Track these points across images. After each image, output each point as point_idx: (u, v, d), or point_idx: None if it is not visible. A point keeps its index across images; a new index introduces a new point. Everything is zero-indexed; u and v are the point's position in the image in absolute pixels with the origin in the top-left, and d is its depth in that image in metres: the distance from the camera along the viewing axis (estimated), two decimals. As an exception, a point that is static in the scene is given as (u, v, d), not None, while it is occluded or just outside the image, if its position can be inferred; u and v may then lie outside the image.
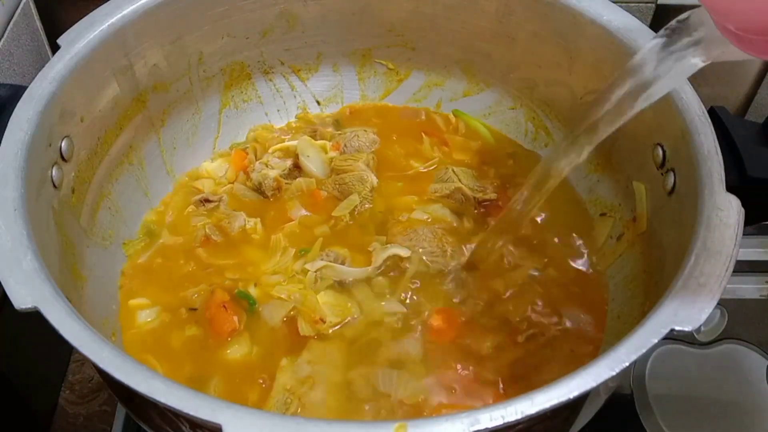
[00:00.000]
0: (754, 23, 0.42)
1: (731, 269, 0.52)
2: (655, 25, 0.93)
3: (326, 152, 0.84)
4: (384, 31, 0.86)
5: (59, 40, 0.66)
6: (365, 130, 0.87)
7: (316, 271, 0.71)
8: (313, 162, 0.83)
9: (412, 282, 0.72)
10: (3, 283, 0.51)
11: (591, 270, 0.74)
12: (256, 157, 0.84)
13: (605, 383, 0.46)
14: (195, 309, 0.71)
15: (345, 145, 0.85)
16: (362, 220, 0.78)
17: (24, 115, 0.60)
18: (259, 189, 0.81)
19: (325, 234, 0.76)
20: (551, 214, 0.79)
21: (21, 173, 0.57)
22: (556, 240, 0.77)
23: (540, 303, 0.71)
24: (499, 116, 0.89)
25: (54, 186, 0.63)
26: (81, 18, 0.69)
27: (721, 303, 0.75)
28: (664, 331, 0.48)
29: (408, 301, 0.71)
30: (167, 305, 0.71)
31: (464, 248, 0.75)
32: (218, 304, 0.70)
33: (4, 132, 0.59)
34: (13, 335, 0.77)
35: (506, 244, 0.74)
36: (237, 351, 0.67)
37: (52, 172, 0.63)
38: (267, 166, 0.82)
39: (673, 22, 0.50)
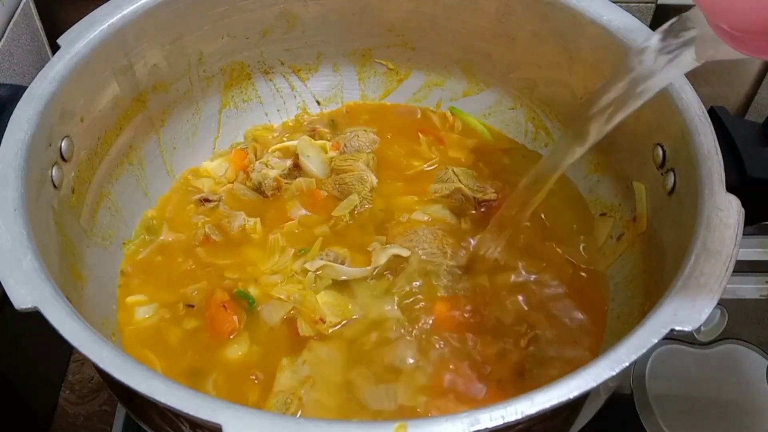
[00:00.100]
0: (747, 22, 0.42)
1: (731, 269, 0.52)
2: (655, 25, 0.93)
3: (326, 152, 0.85)
4: (384, 31, 0.86)
5: (59, 40, 0.66)
6: (365, 130, 0.87)
7: (315, 271, 0.71)
8: (313, 162, 0.83)
9: (411, 282, 0.72)
10: (3, 283, 0.51)
11: (591, 270, 0.74)
12: (256, 156, 0.84)
13: (605, 383, 0.46)
14: (192, 306, 0.71)
15: (345, 145, 0.85)
16: (362, 220, 0.78)
17: (24, 115, 0.60)
18: (258, 189, 0.81)
19: (324, 234, 0.76)
20: (551, 214, 0.79)
21: (21, 173, 0.57)
22: (556, 240, 0.76)
23: (540, 303, 0.71)
24: (499, 116, 0.89)
25: (54, 186, 0.63)
26: (81, 18, 0.69)
27: (721, 303, 0.75)
28: (664, 331, 0.48)
29: (407, 301, 0.70)
30: (165, 302, 0.71)
31: (464, 249, 0.75)
32: (218, 304, 0.70)
33: (4, 132, 0.59)
34: (13, 335, 0.77)
35: (505, 245, 0.74)
36: (237, 350, 0.67)
37: (52, 172, 0.63)
38: (267, 166, 0.82)
39: (669, 22, 0.50)
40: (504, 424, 0.43)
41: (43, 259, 0.53)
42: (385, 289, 0.71)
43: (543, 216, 0.78)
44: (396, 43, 0.88)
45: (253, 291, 0.71)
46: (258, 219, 0.78)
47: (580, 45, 0.75)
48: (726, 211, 0.55)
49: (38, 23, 0.93)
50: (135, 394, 0.45)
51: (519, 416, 0.44)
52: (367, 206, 0.79)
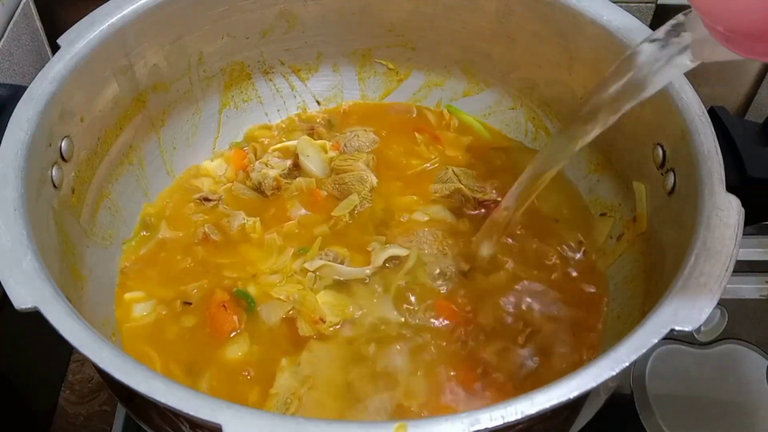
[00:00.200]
0: (740, 25, 0.43)
1: (731, 269, 0.52)
2: (655, 25, 0.93)
3: (326, 152, 0.85)
4: (384, 31, 0.86)
5: (59, 40, 0.66)
6: (365, 130, 0.87)
7: (314, 271, 0.71)
8: (313, 162, 0.83)
9: (411, 282, 0.72)
10: (3, 283, 0.51)
11: (591, 270, 0.74)
12: (255, 156, 0.84)
13: (605, 383, 0.46)
14: (190, 303, 0.71)
15: (345, 145, 0.85)
16: (362, 220, 0.78)
17: (24, 115, 0.60)
18: (258, 188, 0.81)
19: (324, 233, 0.76)
20: (551, 214, 0.79)
21: (21, 173, 0.57)
22: (555, 240, 0.76)
23: (540, 303, 0.71)
24: (499, 116, 0.89)
25: (54, 186, 0.63)
26: (81, 18, 0.69)
27: (721, 303, 0.75)
28: (664, 331, 0.48)
29: (407, 301, 0.71)
30: (163, 299, 0.72)
31: (464, 249, 0.75)
32: (218, 304, 0.70)
33: (4, 132, 0.59)
34: (13, 335, 0.77)
35: (504, 244, 0.75)
36: (236, 350, 0.67)
37: (52, 172, 0.63)
38: (267, 166, 0.82)
39: (667, 24, 0.51)
40: (504, 424, 0.43)
41: (43, 259, 0.53)
42: (384, 289, 0.71)
43: (543, 216, 0.78)
44: (396, 43, 0.88)
45: (252, 290, 0.71)
46: (257, 218, 0.78)
47: (580, 45, 0.75)
48: (726, 211, 0.55)
49: (38, 23, 0.93)
50: (135, 394, 0.45)
51: (519, 416, 0.44)
52: (366, 206, 0.79)
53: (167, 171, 0.83)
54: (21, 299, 0.50)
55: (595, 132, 0.58)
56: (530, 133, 0.87)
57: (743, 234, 0.54)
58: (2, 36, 0.84)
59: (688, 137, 0.61)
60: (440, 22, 0.84)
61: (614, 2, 0.71)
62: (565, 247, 0.76)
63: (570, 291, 0.72)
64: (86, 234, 0.70)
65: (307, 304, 0.69)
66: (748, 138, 0.64)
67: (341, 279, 0.72)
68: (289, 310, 0.69)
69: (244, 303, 0.70)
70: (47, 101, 0.62)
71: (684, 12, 0.50)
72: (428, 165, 0.84)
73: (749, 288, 0.94)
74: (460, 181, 0.80)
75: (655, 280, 0.64)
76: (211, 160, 0.86)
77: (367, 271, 0.72)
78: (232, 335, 0.68)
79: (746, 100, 1.04)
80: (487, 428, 0.43)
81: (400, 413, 0.63)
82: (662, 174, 0.66)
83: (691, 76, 0.62)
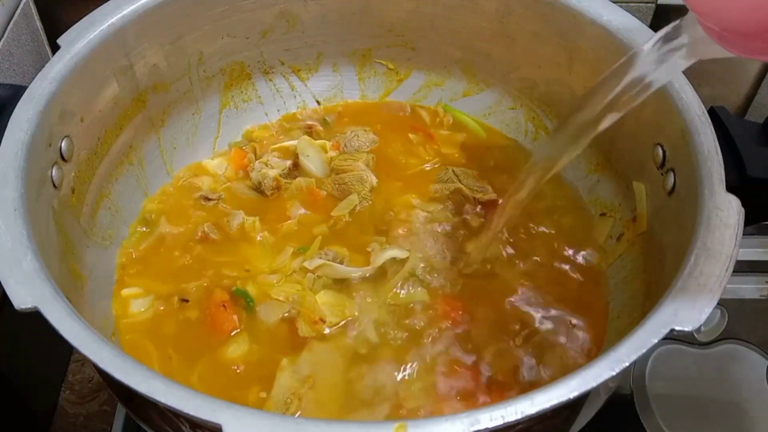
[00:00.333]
0: (733, 24, 0.43)
1: (731, 269, 0.52)
2: (655, 25, 0.93)
3: (326, 152, 0.85)
4: (384, 31, 0.86)
5: (59, 40, 0.66)
6: (365, 130, 0.87)
7: (314, 270, 0.71)
8: (313, 162, 0.83)
9: (410, 283, 0.72)
10: (3, 283, 0.51)
11: (591, 270, 0.74)
12: (255, 156, 0.84)
13: (605, 383, 0.46)
14: (187, 300, 0.71)
15: (345, 145, 0.85)
16: (361, 220, 0.78)
17: (24, 115, 0.60)
18: (258, 188, 0.81)
19: (323, 233, 0.76)
20: (551, 214, 0.79)
21: (21, 173, 0.57)
22: (555, 240, 0.76)
23: (539, 304, 0.71)
24: (499, 116, 0.89)
25: (54, 186, 0.63)
26: (81, 18, 0.69)
27: (721, 303, 0.75)
28: (664, 331, 0.48)
29: (406, 302, 0.70)
30: (161, 295, 0.72)
31: (463, 249, 0.75)
32: (218, 304, 0.70)
33: (4, 132, 0.59)
34: (13, 335, 0.77)
35: (504, 245, 0.75)
36: (236, 350, 0.67)
37: (52, 172, 0.63)
38: (267, 166, 0.82)
39: (667, 27, 0.51)
40: (504, 424, 0.43)
41: (43, 259, 0.53)
42: (384, 290, 0.71)
43: (543, 216, 0.78)
44: (396, 43, 0.88)
45: (251, 290, 0.71)
46: (257, 218, 0.78)
47: (580, 45, 0.75)
48: (726, 211, 0.55)
49: (38, 23, 0.93)
50: (135, 394, 0.45)
51: (519, 416, 0.44)
52: (366, 206, 0.79)
53: (167, 171, 0.83)
54: (21, 299, 0.50)
55: (594, 133, 0.58)
56: (530, 133, 0.87)
57: (743, 234, 0.54)
58: (2, 36, 0.84)
59: (688, 137, 0.61)
60: (440, 22, 0.84)
61: (614, 2, 0.71)
62: (564, 247, 0.76)
63: (570, 291, 0.72)
64: (86, 234, 0.70)
65: (307, 304, 0.69)
66: (748, 138, 0.64)
67: (341, 279, 0.72)
68: (288, 311, 0.69)
69: (243, 302, 0.70)
70: (47, 101, 0.62)
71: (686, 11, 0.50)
72: (428, 165, 0.84)
73: (749, 288, 0.94)
74: (460, 181, 0.80)
75: (655, 280, 0.64)
76: (212, 159, 0.86)
77: (367, 272, 0.72)
78: (232, 334, 0.68)
79: (746, 100, 1.04)
80: (487, 428, 0.43)
81: (400, 413, 0.63)
82: (662, 174, 0.66)
83: (691, 76, 0.62)
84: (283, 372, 0.65)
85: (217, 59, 0.82)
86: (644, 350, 0.47)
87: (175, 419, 0.51)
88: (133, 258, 0.75)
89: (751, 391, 0.83)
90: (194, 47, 0.79)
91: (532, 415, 0.44)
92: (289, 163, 0.83)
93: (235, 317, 0.69)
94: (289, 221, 0.78)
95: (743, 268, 0.95)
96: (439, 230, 0.76)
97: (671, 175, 0.64)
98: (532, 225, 0.77)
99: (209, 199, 0.80)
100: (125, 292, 0.72)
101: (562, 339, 0.68)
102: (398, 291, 0.71)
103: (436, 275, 0.72)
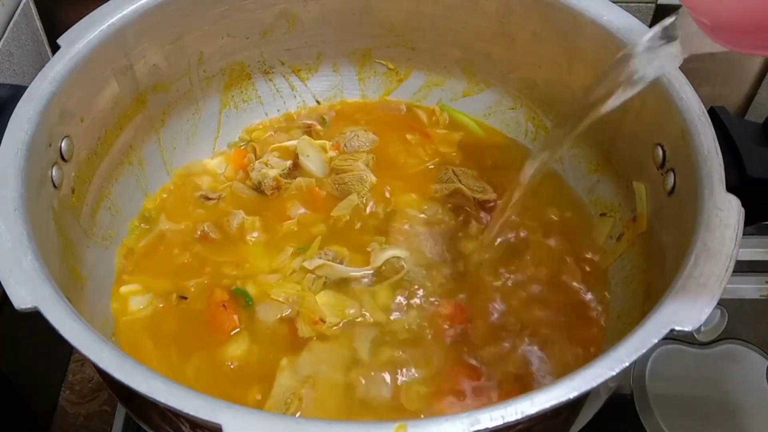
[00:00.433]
0: (725, 19, 0.44)
1: (731, 269, 0.52)
2: (655, 24, 0.93)
3: (326, 152, 0.85)
4: (384, 31, 0.86)
5: (59, 40, 0.66)
6: (365, 130, 0.87)
7: (314, 270, 0.71)
8: (313, 161, 0.83)
9: (410, 283, 0.72)
10: (3, 283, 0.51)
11: (591, 270, 0.74)
12: (255, 156, 0.84)
13: (605, 383, 0.46)
14: (185, 297, 0.71)
15: (345, 145, 0.85)
16: (361, 220, 0.78)
17: (24, 115, 0.60)
18: (258, 188, 0.81)
19: (323, 233, 0.76)
20: (551, 214, 0.79)
21: (21, 173, 0.57)
22: (555, 240, 0.76)
23: (539, 304, 0.71)
24: (499, 116, 0.89)
25: (54, 186, 0.63)
26: (81, 18, 0.69)
27: (721, 303, 0.75)
28: (664, 331, 0.48)
29: (406, 302, 0.70)
30: (160, 292, 0.72)
31: (463, 249, 0.75)
32: (218, 303, 0.70)
33: (4, 132, 0.59)
34: (13, 335, 0.77)
35: (504, 245, 0.75)
36: (236, 350, 0.67)
37: (52, 172, 0.63)
38: (267, 165, 0.82)
39: (662, 21, 0.51)
40: (504, 424, 0.43)
41: (43, 259, 0.53)
42: (383, 290, 0.71)
43: (542, 215, 0.78)
44: (396, 43, 0.88)
45: (250, 289, 0.71)
46: (257, 217, 0.78)
47: (580, 45, 0.75)
48: (726, 211, 0.55)
49: (38, 23, 0.93)
50: (135, 394, 0.45)
51: (519, 416, 0.44)
52: (366, 205, 0.79)
53: (167, 171, 0.83)
54: (21, 299, 0.50)
55: (587, 123, 0.58)
56: (530, 133, 0.87)
57: (743, 234, 0.54)
58: (2, 36, 0.84)
59: (688, 137, 0.61)
60: (440, 22, 0.84)
61: (614, 2, 0.71)
62: (565, 247, 0.76)
63: (570, 291, 0.72)
64: (86, 234, 0.70)
65: (307, 304, 0.69)
66: (748, 138, 0.64)
67: (340, 279, 0.72)
68: (287, 311, 0.69)
69: (243, 301, 0.70)
70: (47, 101, 0.62)
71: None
72: (429, 165, 0.84)
73: (749, 288, 0.94)
74: (460, 181, 0.80)
75: (655, 280, 0.64)
76: (212, 159, 0.86)
77: (367, 272, 0.72)
78: (232, 334, 0.68)
79: (746, 100, 1.04)
80: (487, 428, 0.43)
81: (400, 413, 0.63)
82: (662, 174, 0.66)
83: (691, 76, 0.62)
84: (283, 372, 0.65)
85: (217, 59, 0.82)
86: (644, 350, 0.47)
87: (175, 419, 0.51)
88: (132, 255, 0.75)
89: (751, 391, 0.83)
90: (194, 47, 0.79)
91: (532, 415, 0.44)
92: (289, 163, 0.83)
93: (235, 317, 0.69)
94: (289, 221, 0.78)
95: (743, 268, 0.95)
96: (439, 230, 0.76)
97: (671, 175, 0.64)
98: (531, 225, 0.77)
99: (209, 198, 0.80)
100: (124, 288, 0.72)
101: (562, 339, 0.68)
102: (398, 291, 0.71)
103: (435, 275, 0.72)
